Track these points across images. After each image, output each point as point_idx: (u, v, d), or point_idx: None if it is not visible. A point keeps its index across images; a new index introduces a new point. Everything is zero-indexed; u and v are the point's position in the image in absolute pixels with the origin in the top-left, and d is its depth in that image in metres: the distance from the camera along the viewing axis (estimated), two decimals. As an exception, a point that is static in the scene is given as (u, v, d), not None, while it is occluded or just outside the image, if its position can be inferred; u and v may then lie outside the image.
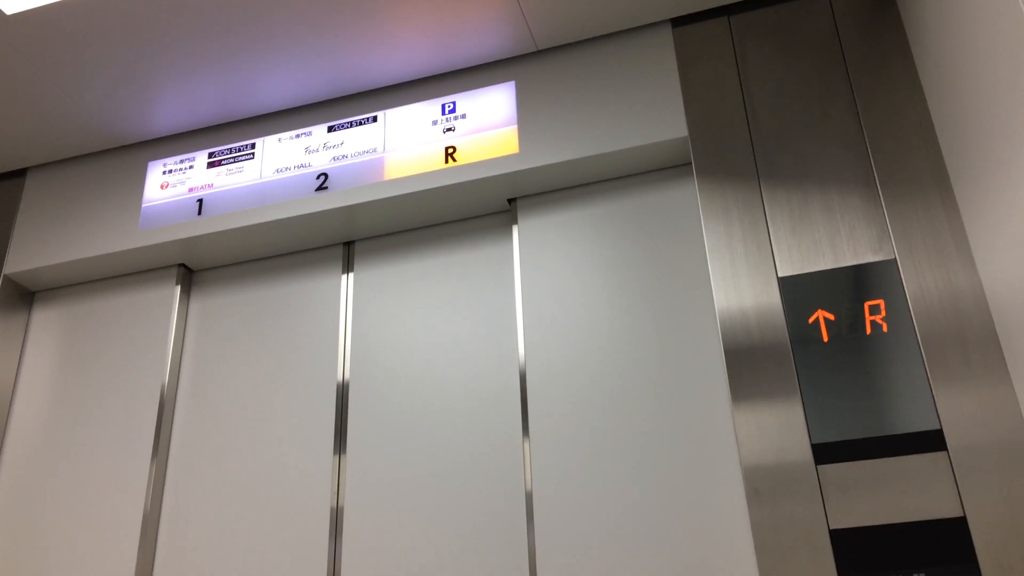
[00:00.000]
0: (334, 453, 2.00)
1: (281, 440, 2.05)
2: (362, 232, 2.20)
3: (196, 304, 2.30)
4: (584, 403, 1.82)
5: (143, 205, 2.24)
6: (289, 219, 2.09)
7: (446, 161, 2.02)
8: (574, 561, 1.70)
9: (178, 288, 2.26)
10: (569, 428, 1.81)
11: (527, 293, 1.96)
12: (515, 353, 1.97)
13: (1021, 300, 1.35)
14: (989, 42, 1.35)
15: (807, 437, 1.52)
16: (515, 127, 2.00)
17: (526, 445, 1.84)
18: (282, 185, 2.13)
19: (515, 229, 2.05)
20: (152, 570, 2.02)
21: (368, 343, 2.09)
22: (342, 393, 2.06)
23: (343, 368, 2.09)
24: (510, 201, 2.09)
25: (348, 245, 2.23)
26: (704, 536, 1.65)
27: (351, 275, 2.19)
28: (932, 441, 1.44)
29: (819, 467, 1.49)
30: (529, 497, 1.79)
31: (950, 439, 1.44)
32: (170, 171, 2.27)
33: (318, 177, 2.11)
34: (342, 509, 1.94)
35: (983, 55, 1.38)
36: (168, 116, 2.24)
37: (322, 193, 2.08)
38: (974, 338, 1.49)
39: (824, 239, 1.66)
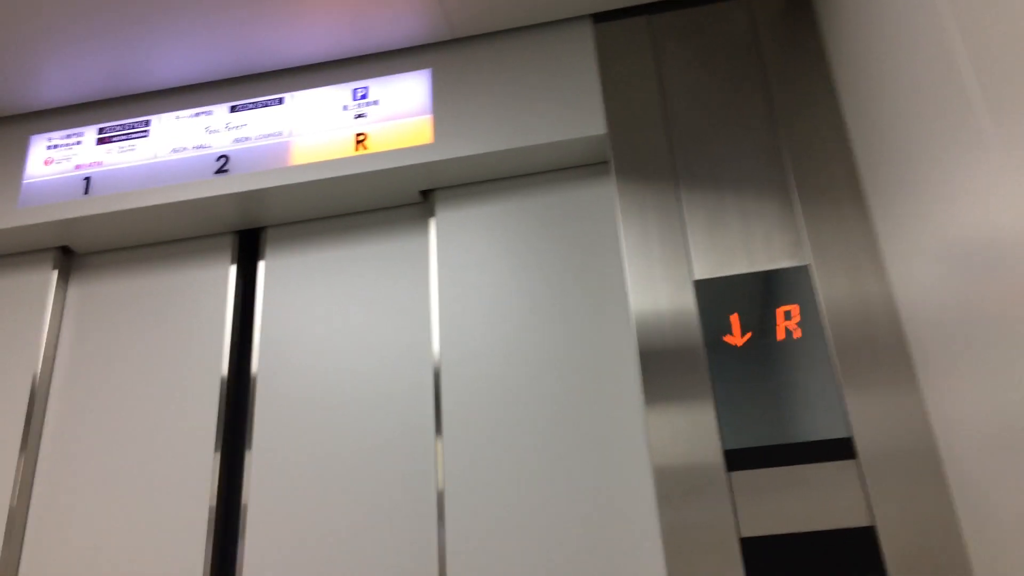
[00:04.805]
0: (215, 450, 1.88)
1: (161, 436, 1.91)
2: (266, 220, 2.08)
3: (76, 290, 2.13)
4: (499, 401, 1.76)
5: (24, 182, 2.07)
6: (185, 202, 1.96)
7: (356, 148, 1.93)
8: (484, 561, 1.64)
9: (55, 272, 2.09)
10: (483, 427, 1.75)
11: (443, 287, 1.89)
12: (429, 349, 1.89)
13: (930, 308, 1.35)
14: (906, 54, 1.35)
15: (719, 443, 1.49)
16: (430, 116, 1.93)
17: (439, 443, 1.77)
18: (179, 166, 2.00)
19: (432, 222, 1.97)
20: (17, 570, 1.85)
21: (275, 334, 1.98)
22: (225, 388, 1.94)
23: (227, 362, 1.97)
24: (424, 193, 2.01)
25: (241, 234, 2.11)
26: (614, 538, 1.61)
27: (260, 264, 2.07)
28: (842, 449, 1.44)
29: (731, 473, 1.46)
30: (441, 496, 1.72)
31: (860, 447, 1.43)
32: (55, 146, 2.10)
33: (218, 159, 1.98)
34: (247, 506, 1.83)
35: (899, 67, 1.38)
36: (54, 87, 2.07)
37: (222, 176, 1.96)
38: (884, 345, 1.49)
39: (739, 243, 1.64)
